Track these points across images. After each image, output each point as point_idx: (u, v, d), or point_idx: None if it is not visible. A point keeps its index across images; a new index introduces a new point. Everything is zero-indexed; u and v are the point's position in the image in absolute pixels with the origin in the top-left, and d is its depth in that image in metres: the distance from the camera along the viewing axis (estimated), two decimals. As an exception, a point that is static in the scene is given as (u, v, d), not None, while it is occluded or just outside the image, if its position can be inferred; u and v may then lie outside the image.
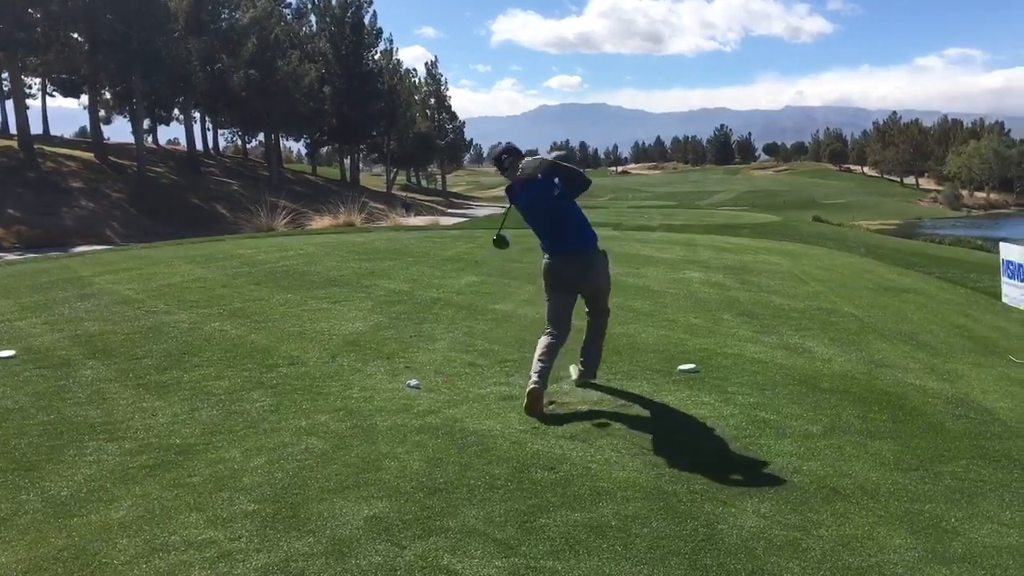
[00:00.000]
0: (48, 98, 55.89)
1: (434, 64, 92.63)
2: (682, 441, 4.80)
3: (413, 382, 5.92)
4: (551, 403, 5.46)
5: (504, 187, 5.84)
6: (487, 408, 5.37)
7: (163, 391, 5.77)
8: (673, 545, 3.49)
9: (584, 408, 5.41)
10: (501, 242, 5.98)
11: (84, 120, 60.20)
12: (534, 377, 5.28)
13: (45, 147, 47.47)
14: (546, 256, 5.60)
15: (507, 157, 5.50)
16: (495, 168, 5.66)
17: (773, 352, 7.19)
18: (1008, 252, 11.97)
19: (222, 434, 4.86)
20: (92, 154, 48.63)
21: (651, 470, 4.33)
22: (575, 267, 5.54)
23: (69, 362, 6.60)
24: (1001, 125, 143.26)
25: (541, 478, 4.20)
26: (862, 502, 3.99)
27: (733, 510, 3.85)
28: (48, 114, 57.80)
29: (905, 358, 7.28)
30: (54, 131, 60.26)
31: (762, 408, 5.48)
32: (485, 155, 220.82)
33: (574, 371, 5.97)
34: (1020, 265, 11.46)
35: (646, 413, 5.33)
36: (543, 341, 5.49)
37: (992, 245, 37.06)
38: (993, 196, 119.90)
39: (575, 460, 4.46)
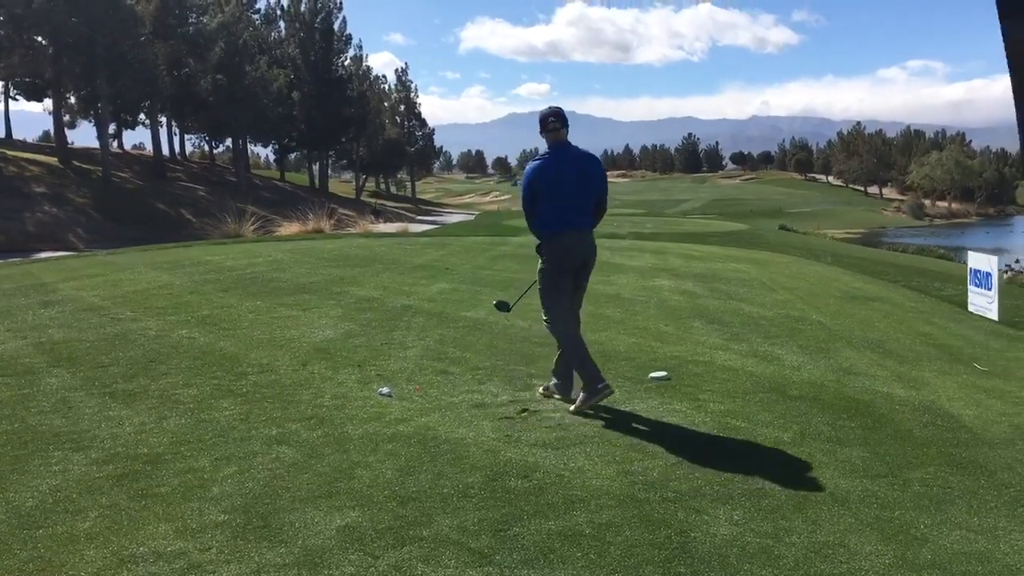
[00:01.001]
0: (11, 101, 54.93)
1: (404, 71, 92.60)
2: (655, 449, 4.81)
3: (385, 390, 5.89)
4: (523, 411, 5.46)
5: (536, 159, 5.77)
6: (459, 416, 5.35)
7: (130, 399, 5.67)
8: (647, 553, 3.50)
9: (557, 416, 5.41)
10: (502, 307, 6.37)
11: (48, 124, 59.16)
12: (605, 381, 5.48)
13: (7, 151, 46.79)
14: (557, 235, 5.62)
15: (554, 120, 5.65)
16: (539, 129, 5.72)
17: (743, 360, 7.25)
18: (975, 261, 12.02)
19: (191, 443, 4.79)
20: (56, 159, 47.99)
21: (624, 478, 4.34)
22: (587, 244, 5.74)
23: (33, 370, 6.48)
24: (962, 136, 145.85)
25: (514, 486, 4.19)
26: (833, 509, 4.02)
27: (706, 518, 3.87)
28: (11, 118, 56.82)
29: (873, 366, 7.37)
30: (17, 135, 59.25)
31: (733, 415, 5.52)
32: (455, 162, 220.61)
33: (541, 390, 5.96)
34: (987, 274, 11.53)
35: (618, 421, 5.34)
36: (574, 333, 5.65)
37: (954, 254, 37.71)
38: (955, 206, 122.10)
39: (548, 468, 4.45)
